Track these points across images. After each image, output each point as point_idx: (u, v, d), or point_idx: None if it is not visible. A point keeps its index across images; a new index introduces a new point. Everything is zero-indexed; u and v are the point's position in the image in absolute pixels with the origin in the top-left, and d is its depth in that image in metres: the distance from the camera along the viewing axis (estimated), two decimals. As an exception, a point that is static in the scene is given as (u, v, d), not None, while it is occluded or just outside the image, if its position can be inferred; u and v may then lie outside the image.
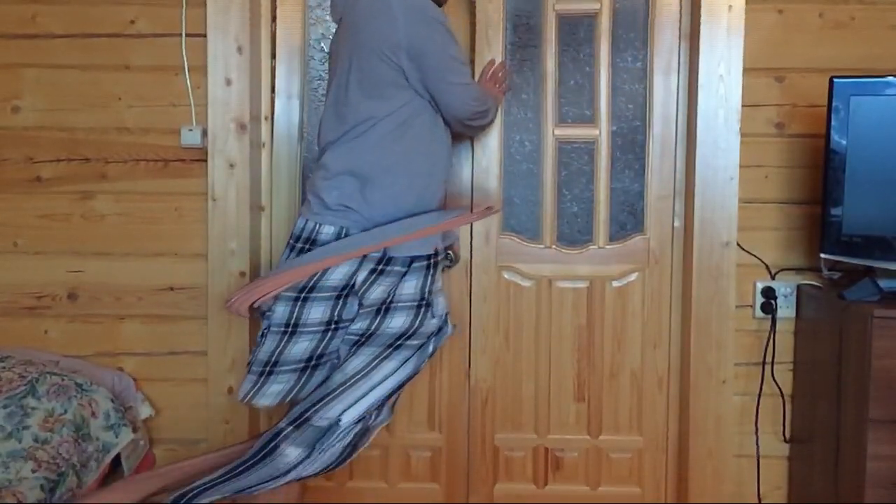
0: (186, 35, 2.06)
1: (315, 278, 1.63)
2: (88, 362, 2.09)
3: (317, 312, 1.64)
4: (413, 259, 1.67)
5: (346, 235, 1.66)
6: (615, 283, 2.17)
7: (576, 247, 2.18)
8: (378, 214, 1.66)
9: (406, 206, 1.68)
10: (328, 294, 1.65)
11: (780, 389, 2.07)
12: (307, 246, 1.67)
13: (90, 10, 2.07)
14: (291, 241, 1.71)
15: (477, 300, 2.18)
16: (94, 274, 2.12)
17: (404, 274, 1.67)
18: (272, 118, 2.18)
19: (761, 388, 2.08)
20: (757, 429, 2.09)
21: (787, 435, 2.08)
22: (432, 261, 1.71)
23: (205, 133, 2.07)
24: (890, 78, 1.79)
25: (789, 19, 2.04)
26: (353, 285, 1.65)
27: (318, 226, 1.67)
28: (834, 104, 1.80)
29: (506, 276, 2.19)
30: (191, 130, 2.06)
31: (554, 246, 2.18)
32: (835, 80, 1.81)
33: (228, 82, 2.05)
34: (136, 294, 2.12)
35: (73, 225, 2.11)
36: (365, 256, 1.64)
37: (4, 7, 2.08)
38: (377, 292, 1.65)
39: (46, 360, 1.98)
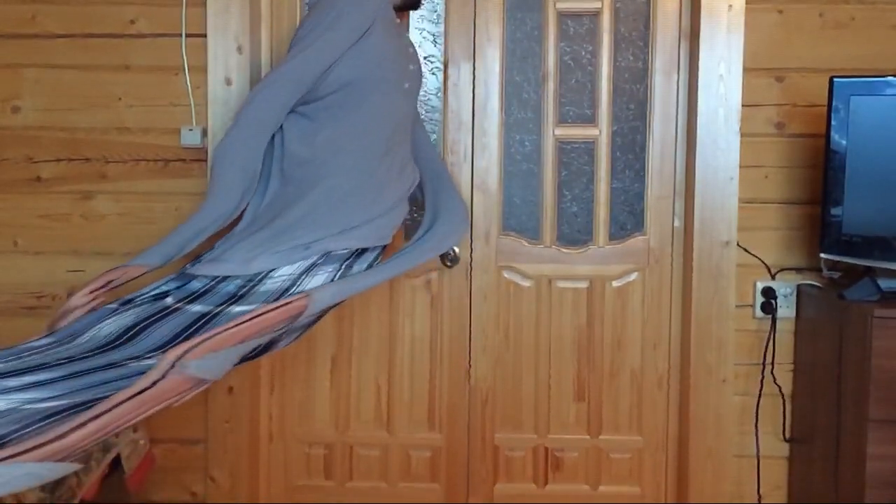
0: (186, 35, 2.06)
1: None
2: (88, 362, 2.08)
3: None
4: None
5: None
6: (615, 283, 2.17)
7: (576, 247, 2.18)
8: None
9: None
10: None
11: (780, 389, 2.07)
12: None
13: (90, 10, 2.07)
14: None
15: (477, 300, 2.18)
16: (94, 274, 2.11)
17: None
18: (272, 118, 2.17)
19: (761, 388, 2.08)
20: (757, 429, 2.09)
21: (787, 435, 2.08)
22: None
23: (205, 133, 2.07)
24: (890, 78, 1.79)
25: (789, 19, 2.03)
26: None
27: None
28: (834, 104, 1.80)
29: (506, 275, 2.19)
30: (191, 130, 2.06)
31: (554, 246, 2.18)
32: (835, 80, 1.81)
33: (228, 82, 2.05)
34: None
35: (73, 225, 2.11)
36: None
37: (4, 7, 2.08)
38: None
39: (46, 360, 1.98)
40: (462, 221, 1.86)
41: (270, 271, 1.57)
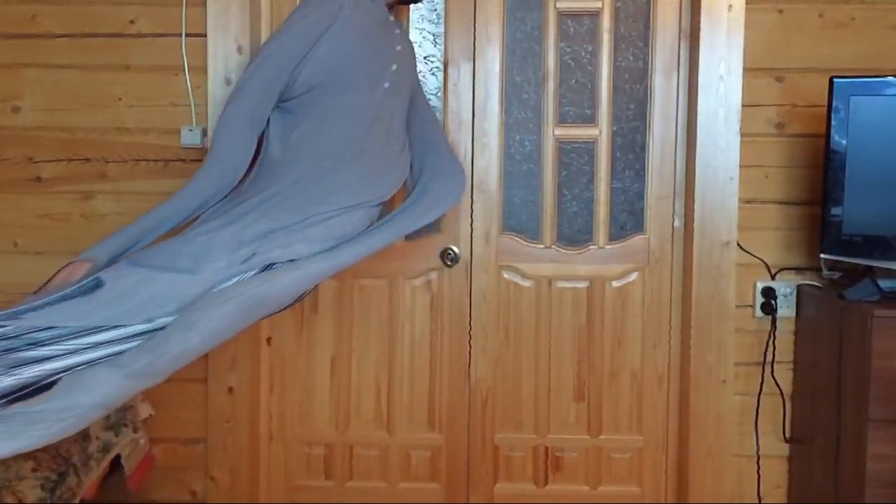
0: (186, 35, 2.06)
1: None
2: (88, 362, 2.08)
3: None
4: None
5: None
6: (615, 283, 2.17)
7: (576, 247, 2.18)
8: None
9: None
10: None
11: (780, 389, 2.07)
12: None
13: (90, 10, 2.07)
14: None
15: (477, 300, 2.18)
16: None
17: None
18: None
19: (761, 388, 2.08)
20: (757, 428, 2.09)
21: (787, 435, 2.08)
22: None
23: (205, 133, 2.07)
24: (890, 78, 1.79)
25: (789, 19, 2.04)
26: None
27: None
28: (834, 104, 1.81)
29: (506, 275, 2.19)
30: (191, 130, 2.06)
31: (554, 246, 2.18)
32: (835, 80, 1.81)
33: (228, 82, 2.05)
34: (137, 294, 2.11)
35: (73, 225, 2.11)
36: None
37: (4, 7, 2.08)
38: None
39: (46, 360, 1.98)
40: (456, 184, 1.80)
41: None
